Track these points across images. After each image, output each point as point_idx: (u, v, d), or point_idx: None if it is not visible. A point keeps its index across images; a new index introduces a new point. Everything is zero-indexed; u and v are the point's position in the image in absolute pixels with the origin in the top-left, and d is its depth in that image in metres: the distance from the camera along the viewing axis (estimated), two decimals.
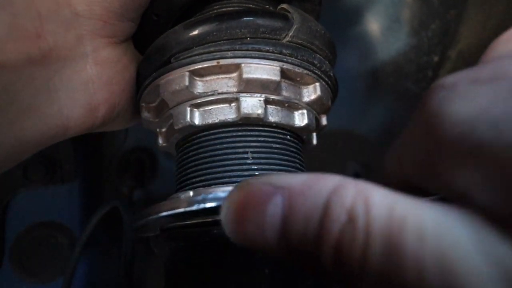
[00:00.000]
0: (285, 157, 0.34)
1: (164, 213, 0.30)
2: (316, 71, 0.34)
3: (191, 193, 0.31)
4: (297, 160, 0.35)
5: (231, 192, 0.21)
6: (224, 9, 0.37)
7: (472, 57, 0.61)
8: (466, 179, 0.18)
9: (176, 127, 0.33)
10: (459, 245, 0.16)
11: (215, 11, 0.37)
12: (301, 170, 0.35)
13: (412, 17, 0.67)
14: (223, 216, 0.21)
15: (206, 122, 0.33)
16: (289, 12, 0.34)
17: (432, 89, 0.20)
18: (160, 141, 0.37)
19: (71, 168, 0.64)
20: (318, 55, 0.35)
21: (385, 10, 0.68)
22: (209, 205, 0.28)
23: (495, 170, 0.16)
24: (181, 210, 0.29)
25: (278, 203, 0.20)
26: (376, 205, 0.18)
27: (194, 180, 0.33)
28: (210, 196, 0.29)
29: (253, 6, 0.38)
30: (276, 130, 0.34)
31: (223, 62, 0.32)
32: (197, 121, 0.33)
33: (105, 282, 0.69)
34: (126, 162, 0.72)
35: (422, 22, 0.66)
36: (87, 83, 0.33)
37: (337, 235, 0.18)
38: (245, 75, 0.31)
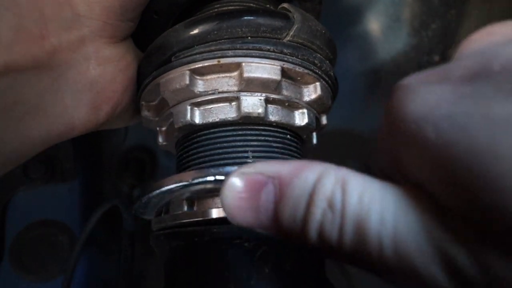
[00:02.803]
0: (285, 157, 0.34)
1: (167, 187, 0.30)
2: (317, 71, 0.34)
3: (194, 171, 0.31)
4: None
5: (227, 181, 0.23)
6: (224, 8, 0.37)
7: None
8: (417, 171, 0.21)
9: (176, 126, 0.33)
10: (411, 232, 0.19)
11: (216, 10, 0.37)
12: None
13: (412, 16, 0.67)
14: (223, 202, 0.24)
15: (207, 121, 0.33)
16: (290, 11, 0.34)
17: (393, 90, 0.23)
18: (160, 139, 0.37)
19: (71, 167, 0.64)
20: (319, 55, 0.35)
21: (385, 10, 0.68)
22: (214, 178, 0.29)
23: (437, 165, 0.19)
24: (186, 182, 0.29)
25: (270, 191, 0.22)
26: (350, 192, 0.21)
27: None
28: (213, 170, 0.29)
29: (254, 5, 0.38)
30: (276, 129, 0.34)
31: (223, 61, 0.32)
32: (197, 120, 0.33)
33: (105, 281, 0.69)
34: (126, 160, 0.72)
35: (423, 22, 0.66)
36: (91, 83, 0.34)
37: (320, 219, 0.21)
38: (245, 74, 0.31)
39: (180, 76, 0.32)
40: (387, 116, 0.23)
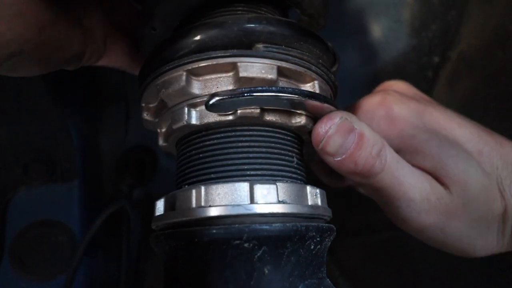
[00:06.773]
0: (284, 157, 0.34)
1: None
2: (314, 69, 0.34)
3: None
4: (295, 160, 0.35)
5: (335, 114, 0.34)
6: (220, 18, 0.37)
7: (473, 58, 0.61)
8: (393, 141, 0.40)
9: (174, 127, 0.33)
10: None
11: (212, 20, 0.37)
12: (300, 171, 0.35)
13: (412, 17, 0.67)
14: (323, 127, 0.34)
15: (204, 122, 0.32)
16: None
17: (385, 92, 0.44)
18: (161, 141, 0.37)
19: (71, 167, 0.64)
20: (316, 53, 0.34)
21: (385, 11, 0.68)
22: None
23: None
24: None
25: (353, 136, 0.35)
26: (391, 153, 0.38)
27: (193, 179, 0.33)
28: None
29: (254, 14, 0.38)
30: (273, 129, 0.34)
31: (219, 61, 0.32)
32: (194, 121, 0.33)
33: (106, 280, 0.69)
34: (126, 160, 0.72)
35: (423, 23, 0.66)
36: None
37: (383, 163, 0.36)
38: (241, 74, 0.31)
39: (177, 77, 0.32)
40: (382, 111, 0.42)
